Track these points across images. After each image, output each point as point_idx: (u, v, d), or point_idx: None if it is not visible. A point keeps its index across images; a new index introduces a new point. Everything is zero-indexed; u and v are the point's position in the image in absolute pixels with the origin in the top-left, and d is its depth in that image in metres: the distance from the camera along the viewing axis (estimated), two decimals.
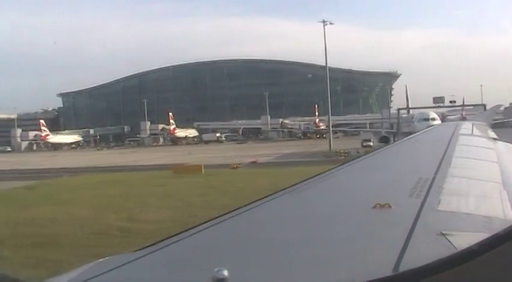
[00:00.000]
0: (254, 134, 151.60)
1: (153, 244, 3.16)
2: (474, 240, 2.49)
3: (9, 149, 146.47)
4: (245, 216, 3.89)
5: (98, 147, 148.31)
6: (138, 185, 41.07)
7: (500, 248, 1.93)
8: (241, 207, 4.07)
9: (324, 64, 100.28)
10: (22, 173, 62.86)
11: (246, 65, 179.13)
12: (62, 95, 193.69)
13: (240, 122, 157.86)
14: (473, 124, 14.25)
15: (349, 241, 2.95)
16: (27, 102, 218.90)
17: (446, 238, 2.73)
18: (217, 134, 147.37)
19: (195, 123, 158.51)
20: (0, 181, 51.84)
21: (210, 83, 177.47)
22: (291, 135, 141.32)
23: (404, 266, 2.28)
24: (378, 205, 3.57)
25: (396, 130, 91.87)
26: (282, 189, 4.80)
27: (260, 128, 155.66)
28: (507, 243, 1.94)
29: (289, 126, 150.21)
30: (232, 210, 3.93)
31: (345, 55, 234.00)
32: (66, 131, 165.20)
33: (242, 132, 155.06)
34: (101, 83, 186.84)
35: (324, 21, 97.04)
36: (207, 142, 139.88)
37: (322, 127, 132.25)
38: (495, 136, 11.76)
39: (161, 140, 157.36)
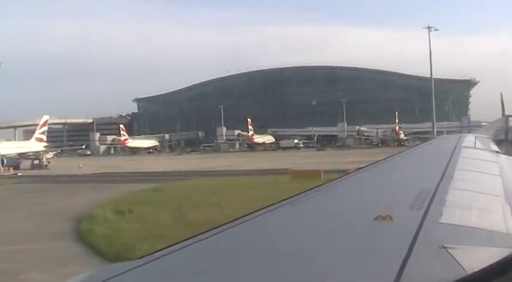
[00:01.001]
0: (328, 141, 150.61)
1: (155, 252, 3.13)
2: (476, 254, 2.74)
3: (88, 153, 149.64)
4: (246, 226, 3.86)
5: (176, 152, 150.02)
6: (272, 189, 40.22)
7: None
8: (242, 216, 4.03)
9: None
10: (131, 176, 63.76)
11: (320, 71, 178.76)
12: (137, 100, 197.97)
13: (315, 129, 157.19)
14: (476, 137, 14.23)
15: (350, 253, 2.94)
16: (103, 108, 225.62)
17: (448, 251, 2.68)
18: (295, 141, 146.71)
19: (270, 130, 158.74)
20: (119, 183, 52.77)
21: (284, 90, 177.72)
22: (368, 143, 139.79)
23: (405, 279, 2.28)
24: (380, 217, 3.53)
25: (504, 138, 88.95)
26: (283, 200, 4.75)
27: (336, 135, 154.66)
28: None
29: (366, 134, 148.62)
30: (234, 220, 3.92)
31: (417, 62, 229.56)
32: (142, 135, 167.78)
33: (316, 139, 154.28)
34: (175, 89, 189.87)
35: (429, 28, 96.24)
36: (285, 148, 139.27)
37: (402, 135, 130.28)
38: (497, 149, 11.73)
39: (237, 145, 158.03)
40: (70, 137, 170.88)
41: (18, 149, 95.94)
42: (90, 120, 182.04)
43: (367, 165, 8.34)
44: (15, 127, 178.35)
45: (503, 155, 10.28)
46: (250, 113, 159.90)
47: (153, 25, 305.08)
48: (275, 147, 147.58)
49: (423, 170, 7.68)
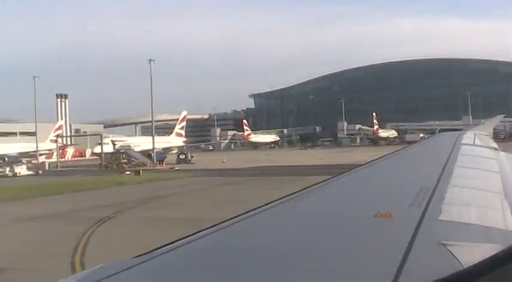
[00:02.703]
0: None
1: (153, 250, 3.05)
2: (475, 251, 2.72)
3: (211, 148, 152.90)
4: (245, 223, 3.78)
5: (299, 147, 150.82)
6: None
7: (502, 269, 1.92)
8: (241, 214, 3.94)
9: None
10: (294, 170, 64.07)
11: (437, 64, 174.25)
12: (253, 95, 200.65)
13: (436, 123, 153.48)
14: (475, 134, 13.95)
15: (350, 250, 2.93)
16: (219, 103, 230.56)
17: (447, 248, 2.67)
18: (421, 135, 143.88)
19: (389, 124, 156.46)
20: (302, 176, 53.23)
21: (402, 83, 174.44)
22: (494, 136, 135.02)
23: (405, 276, 2.28)
24: (379, 214, 3.47)
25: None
26: (282, 197, 4.65)
27: (459, 129, 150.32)
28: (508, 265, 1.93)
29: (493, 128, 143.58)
30: (232, 218, 3.83)
31: None
32: (260, 131, 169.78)
33: (438, 133, 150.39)
34: (291, 84, 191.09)
35: None
36: (410, 142, 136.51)
37: None
38: (496, 146, 11.43)
39: (357, 140, 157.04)
40: (188, 133, 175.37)
41: (163, 144, 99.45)
42: (206, 116, 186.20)
43: (367, 163, 8.15)
44: (135, 123, 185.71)
45: (502, 152, 10.09)
46: (367, 107, 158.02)
47: (267, 22, 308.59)
48: (399, 141, 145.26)
49: (422, 167, 7.65)
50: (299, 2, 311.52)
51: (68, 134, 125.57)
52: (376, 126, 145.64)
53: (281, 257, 2.85)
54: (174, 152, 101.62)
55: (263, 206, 4.32)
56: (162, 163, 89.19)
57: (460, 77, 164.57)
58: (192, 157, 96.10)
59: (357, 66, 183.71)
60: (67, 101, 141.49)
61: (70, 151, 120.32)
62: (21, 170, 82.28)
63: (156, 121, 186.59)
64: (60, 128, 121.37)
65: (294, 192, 4.95)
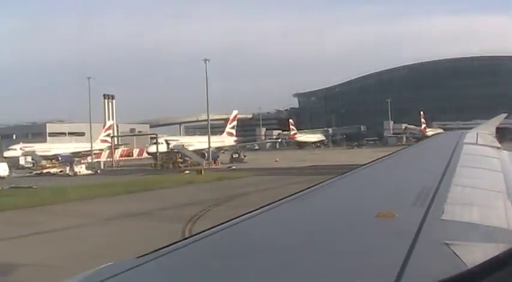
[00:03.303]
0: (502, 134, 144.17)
1: (155, 250, 3.05)
2: (478, 251, 2.71)
3: (256, 147, 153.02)
4: (246, 224, 3.77)
5: (346, 146, 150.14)
6: None
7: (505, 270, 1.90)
8: (243, 214, 3.94)
9: None
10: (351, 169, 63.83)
11: (482, 62, 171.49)
12: (297, 95, 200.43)
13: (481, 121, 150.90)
14: (477, 133, 13.62)
15: (352, 250, 2.93)
16: (261, 103, 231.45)
17: (450, 248, 2.66)
18: None
19: (435, 123, 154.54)
20: None
21: (446, 82, 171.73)
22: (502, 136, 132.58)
23: (407, 276, 2.28)
24: (381, 214, 3.48)
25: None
26: (284, 197, 4.61)
27: (508, 128, 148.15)
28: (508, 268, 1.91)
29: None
30: (235, 218, 3.83)
31: None
32: (305, 130, 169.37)
33: None
34: (335, 83, 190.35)
35: None
36: None
37: None
38: (499, 145, 11.23)
39: (404, 139, 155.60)
40: None
41: (215, 143, 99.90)
42: (250, 116, 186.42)
43: (369, 162, 8.02)
44: (179, 123, 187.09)
45: (505, 151, 10.01)
46: (412, 106, 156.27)
47: (312, 21, 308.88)
48: None
49: (425, 166, 7.54)
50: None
51: (115, 134, 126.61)
52: (423, 125, 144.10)
53: (283, 257, 2.86)
54: (223, 151, 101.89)
55: (265, 206, 4.31)
56: (216, 162, 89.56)
57: (509, 75, 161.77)
58: (244, 156, 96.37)
59: (402, 65, 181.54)
60: (114, 101, 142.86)
61: (118, 151, 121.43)
62: (81, 169, 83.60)
63: (200, 121, 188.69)
64: (110, 128, 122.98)
65: (296, 192, 4.94)
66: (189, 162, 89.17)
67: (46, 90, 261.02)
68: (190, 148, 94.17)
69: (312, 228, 3.61)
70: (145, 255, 3.00)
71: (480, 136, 12.83)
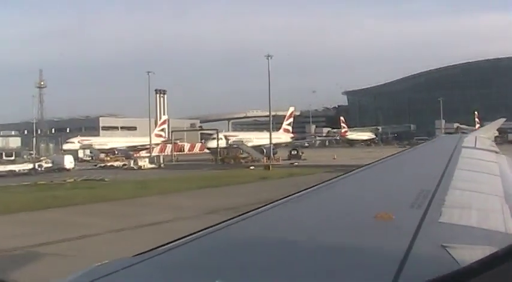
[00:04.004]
0: None
1: (152, 249, 3.07)
2: (475, 254, 2.66)
3: (306, 144, 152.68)
4: (244, 224, 3.78)
5: (398, 145, 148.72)
6: None
7: (499, 268, 1.93)
8: (242, 214, 3.96)
9: None
10: None
11: None
12: (346, 93, 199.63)
13: None
14: (476, 137, 13.81)
15: (350, 251, 2.93)
16: (309, 101, 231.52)
17: (447, 251, 2.69)
18: None
19: (485, 123, 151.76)
20: None
21: (500, 81, 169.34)
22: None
23: (404, 278, 2.30)
24: (379, 215, 3.51)
25: None
26: (282, 198, 4.62)
27: None
28: (507, 264, 1.95)
29: None
30: (233, 217, 3.84)
31: None
32: (354, 128, 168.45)
33: None
34: (387, 81, 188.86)
35: None
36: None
37: None
38: (497, 149, 11.31)
39: None
40: (279, 128, 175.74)
41: (273, 140, 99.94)
42: (298, 113, 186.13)
43: (368, 164, 7.96)
44: (228, 119, 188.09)
45: (503, 155, 10.09)
46: (464, 105, 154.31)
47: (361, 17, 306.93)
48: (500, 140, 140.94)
49: (423, 169, 7.54)
50: None
51: (167, 129, 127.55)
52: (477, 125, 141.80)
53: (281, 258, 2.86)
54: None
55: (263, 206, 4.30)
56: (276, 158, 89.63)
57: None
58: (302, 153, 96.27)
59: (452, 64, 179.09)
60: (165, 96, 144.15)
61: (169, 146, 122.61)
62: (144, 163, 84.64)
63: (247, 117, 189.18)
64: (164, 122, 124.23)
65: (294, 193, 4.91)
66: (250, 158, 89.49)
67: (99, 85, 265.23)
68: (249, 144, 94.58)
69: (310, 229, 3.61)
70: (141, 253, 3.02)
71: (479, 140, 12.94)
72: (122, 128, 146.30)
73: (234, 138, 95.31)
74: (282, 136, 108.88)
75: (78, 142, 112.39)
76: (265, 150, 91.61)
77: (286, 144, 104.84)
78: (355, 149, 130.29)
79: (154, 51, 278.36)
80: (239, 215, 3.95)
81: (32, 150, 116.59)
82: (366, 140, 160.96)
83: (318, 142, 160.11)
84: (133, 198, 39.86)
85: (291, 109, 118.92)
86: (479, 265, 1.98)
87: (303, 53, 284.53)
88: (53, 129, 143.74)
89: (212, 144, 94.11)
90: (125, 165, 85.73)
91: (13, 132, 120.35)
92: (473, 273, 1.93)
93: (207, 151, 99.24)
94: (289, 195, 4.80)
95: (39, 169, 78.83)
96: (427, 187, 4.80)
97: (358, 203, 4.66)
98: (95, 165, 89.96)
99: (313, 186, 5.47)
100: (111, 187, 50.25)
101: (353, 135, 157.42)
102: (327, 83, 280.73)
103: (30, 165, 79.61)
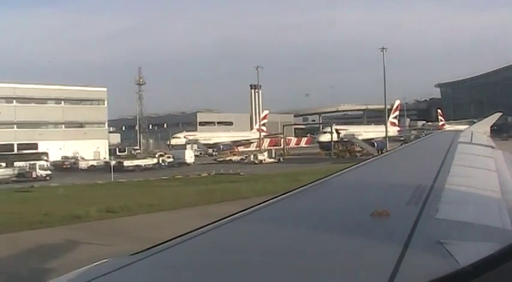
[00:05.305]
0: None
1: (150, 248, 3.09)
2: (471, 250, 2.68)
3: (402, 138, 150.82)
4: (241, 222, 3.77)
5: (500, 137, 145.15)
6: None
7: (500, 268, 1.93)
8: (238, 212, 3.95)
9: None
10: None
11: None
12: (439, 85, 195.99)
13: None
14: (472, 132, 13.77)
15: (347, 248, 2.95)
16: (399, 93, 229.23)
17: (444, 247, 2.67)
18: None
19: None
20: None
21: None
22: None
23: (401, 275, 2.29)
24: (376, 212, 3.48)
25: None
26: (279, 195, 4.66)
27: None
28: (507, 264, 1.93)
29: None
30: (229, 216, 3.83)
31: None
32: (451, 121, 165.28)
33: None
34: (481, 73, 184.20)
35: None
36: None
37: None
38: (494, 145, 11.20)
39: None
40: (369, 122, 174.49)
41: (380, 133, 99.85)
42: (389, 107, 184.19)
43: (364, 161, 8.02)
44: (319, 114, 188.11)
45: (499, 150, 9.95)
46: None
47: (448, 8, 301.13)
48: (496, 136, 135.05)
49: (420, 165, 7.56)
50: None
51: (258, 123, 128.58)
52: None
53: (277, 256, 2.90)
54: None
55: (260, 204, 4.32)
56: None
57: None
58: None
59: None
60: (260, 91, 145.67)
61: (266, 141, 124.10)
62: (264, 157, 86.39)
63: (338, 111, 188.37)
64: (266, 117, 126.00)
65: (291, 191, 4.93)
66: (364, 151, 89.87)
67: (194, 81, 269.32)
68: (360, 138, 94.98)
69: (307, 227, 3.60)
70: (139, 252, 3.07)
71: (475, 135, 12.96)
72: (218, 123, 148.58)
73: (344, 132, 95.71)
74: (390, 129, 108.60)
75: (184, 137, 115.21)
76: (375, 144, 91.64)
77: (394, 138, 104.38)
78: None
79: (254, 47, 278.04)
80: (237, 213, 4.00)
81: (137, 145, 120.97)
82: None
83: (412, 136, 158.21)
84: None
85: (397, 102, 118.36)
86: (480, 265, 2.01)
87: (396, 45, 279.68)
88: (150, 125, 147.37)
89: (324, 137, 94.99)
90: (242, 159, 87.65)
91: (111, 129, 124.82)
92: (473, 273, 1.95)
93: (311, 145, 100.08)
94: (286, 193, 4.84)
95: (163, 164, 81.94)
96: (424, 183, 4.82)
97: (354, 200, 4.67)
98: (215, 160, 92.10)
99: (310, 183, 5.51)
100: (260, 180, 51.61)
101: (451, 128, 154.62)
102: (416, 75, 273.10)
103: (155, 160, 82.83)
